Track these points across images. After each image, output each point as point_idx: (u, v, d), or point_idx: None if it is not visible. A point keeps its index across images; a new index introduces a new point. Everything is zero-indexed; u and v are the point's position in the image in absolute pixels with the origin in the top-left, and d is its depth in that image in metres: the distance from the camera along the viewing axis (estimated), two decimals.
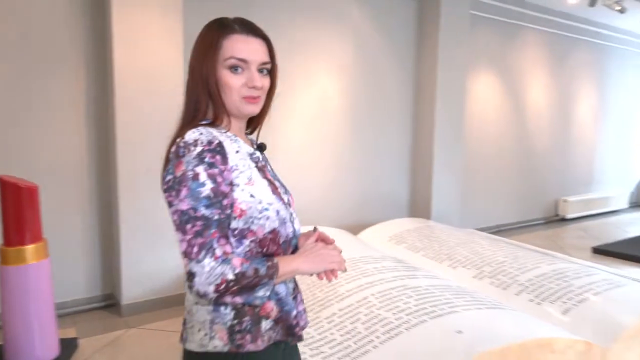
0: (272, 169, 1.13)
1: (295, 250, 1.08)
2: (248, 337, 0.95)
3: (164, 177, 0.94)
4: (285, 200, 1.07)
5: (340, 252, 1.07)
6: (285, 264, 0.96)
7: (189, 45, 3.76)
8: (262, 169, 1.04)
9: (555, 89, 6.27)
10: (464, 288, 2.50)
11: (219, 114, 1.01)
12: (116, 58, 2.95)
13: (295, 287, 1.10)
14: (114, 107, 2.99)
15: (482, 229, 5.06)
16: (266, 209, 0.98)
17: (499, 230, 5.61)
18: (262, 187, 0.99)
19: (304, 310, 1.11)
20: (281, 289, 1.02)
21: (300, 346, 1.59)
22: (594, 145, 6.99)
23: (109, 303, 3.28)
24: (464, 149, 5.06)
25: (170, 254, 3.22)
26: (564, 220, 6.43)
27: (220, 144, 0.94)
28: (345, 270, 1.06)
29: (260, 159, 1.07)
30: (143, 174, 3.08)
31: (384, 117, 4.60)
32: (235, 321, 0.95)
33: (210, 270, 0.86)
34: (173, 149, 0.95)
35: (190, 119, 1.01)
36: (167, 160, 0.96)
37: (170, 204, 0.91)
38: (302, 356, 1.61)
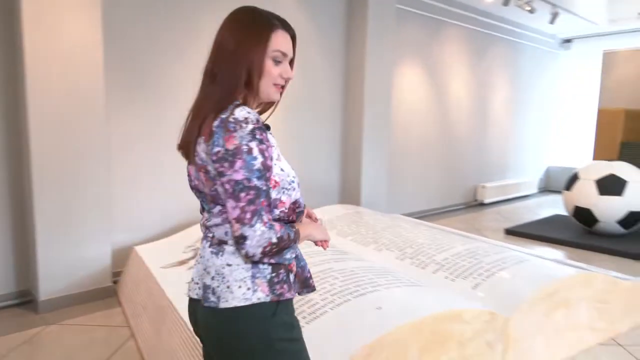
0: None
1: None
2: (285, 286, 1.09)
3: (210, 149, 1.01)
4: None
5: None
6: (303, 230, 1.12)
7: (108, 26, 3.53)
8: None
9: (474, 83, 6.69)
10: (387, 268, 2.64)
11: (249, 97, 1.11)
12: (26, 40, 2.75)
13: None
14: (26, 91, 2.80)
15: (408, 214, 5.33)
16: (292, 181, 1.12)
17: (423, 215, 5.94)
18: (285, 162, 1.12)
19: None
20: (296, 248, 1.17)
21: None
22: (508, 136, 7.57)
23: (24, 300, 3.09)
24: (391, 138, 5.28)
25: (89, 246, 3.09)
26: (482, 204, 6.93)
27: (264, 123, 1.05)
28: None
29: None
30: (60, 161, 2.92)
31: (315, 108, 4.67)
32: (274, 274, 1.07)
33: (261, 234, 0.98)
34: (216, 123, 1.01)
35: (219, 98, 1.05)
36: (210, 134, 1.01)
37: (222, 174, 1.00)
38: None
